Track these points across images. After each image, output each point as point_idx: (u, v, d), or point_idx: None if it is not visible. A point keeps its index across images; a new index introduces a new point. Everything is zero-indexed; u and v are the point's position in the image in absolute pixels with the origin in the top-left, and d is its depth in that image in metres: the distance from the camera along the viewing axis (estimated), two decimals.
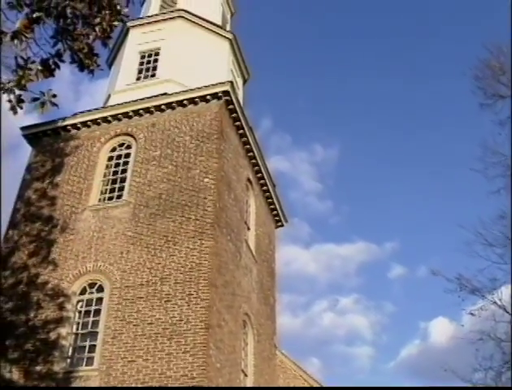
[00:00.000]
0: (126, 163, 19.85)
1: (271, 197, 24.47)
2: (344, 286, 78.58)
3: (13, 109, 8.70)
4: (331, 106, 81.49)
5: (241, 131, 21.18)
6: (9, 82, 8.55)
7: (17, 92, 8.60)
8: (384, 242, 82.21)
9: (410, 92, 78.58)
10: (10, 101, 8.66)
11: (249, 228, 21.40)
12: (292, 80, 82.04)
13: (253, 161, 22.46)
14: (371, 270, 78.09)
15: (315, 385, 21.92)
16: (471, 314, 17.03)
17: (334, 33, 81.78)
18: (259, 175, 23.17)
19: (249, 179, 22.05)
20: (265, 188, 23.80)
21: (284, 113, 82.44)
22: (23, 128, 21.56)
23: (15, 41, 8.36)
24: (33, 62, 8.65)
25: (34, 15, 8.48)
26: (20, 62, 8.59)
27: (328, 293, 79.10)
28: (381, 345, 70.90)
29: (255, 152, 22.31)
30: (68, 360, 16.54)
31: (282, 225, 26.01)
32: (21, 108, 8.73)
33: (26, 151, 21.51)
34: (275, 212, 25.18)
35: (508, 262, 16.06)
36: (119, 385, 15.28)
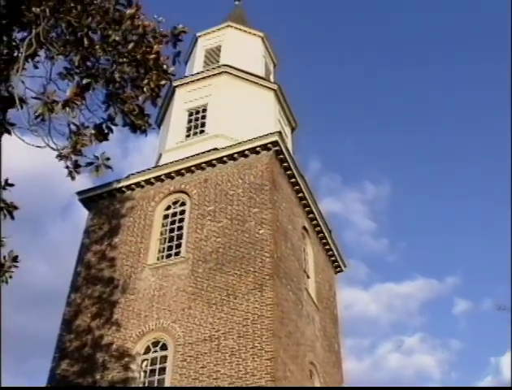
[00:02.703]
0: (181, 220, 20.02)
1: (328, 244, 24.23)
2: (408, 325, 76.80)
3: (71, 174, 8.88)
4: (378, 144, 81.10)
5: (293, 179, 21.17)
6: (64, 148, 8.74)
7: (73, 158, 8.79)
8: (445, 277, 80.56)
9: (456, 122, 77.84)
10: (67, 167, 8.84)
11: (308, 276, 21.20)
12: (337, 120, 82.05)
13: (308, 208, 22.36)
14: (435, 307, 76.25)
15: None
16: None
17: (377, 74, 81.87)
18: (314, 222, 23.01)
19: (304, 227, 21.93)
20: (321, 234, 23.59)
21: (331, 153, 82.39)
22: (78, 193, 21.94)
23: (67, 109, 8.58)
24: (87, 127, 8.86)
25: (84, 82, 8.72)
26: (73, 128, 8.80)
27: (392, 334, 77.33)
28: (451, 384, 68.54)
29: (308, 199, 22.24)
30: None
31: (341, 270, 25.71)
32: (78, 173, 8.91)
33: (78, 210, 21.91)
34: (333, 258, 24.91)
35: None
36: None
